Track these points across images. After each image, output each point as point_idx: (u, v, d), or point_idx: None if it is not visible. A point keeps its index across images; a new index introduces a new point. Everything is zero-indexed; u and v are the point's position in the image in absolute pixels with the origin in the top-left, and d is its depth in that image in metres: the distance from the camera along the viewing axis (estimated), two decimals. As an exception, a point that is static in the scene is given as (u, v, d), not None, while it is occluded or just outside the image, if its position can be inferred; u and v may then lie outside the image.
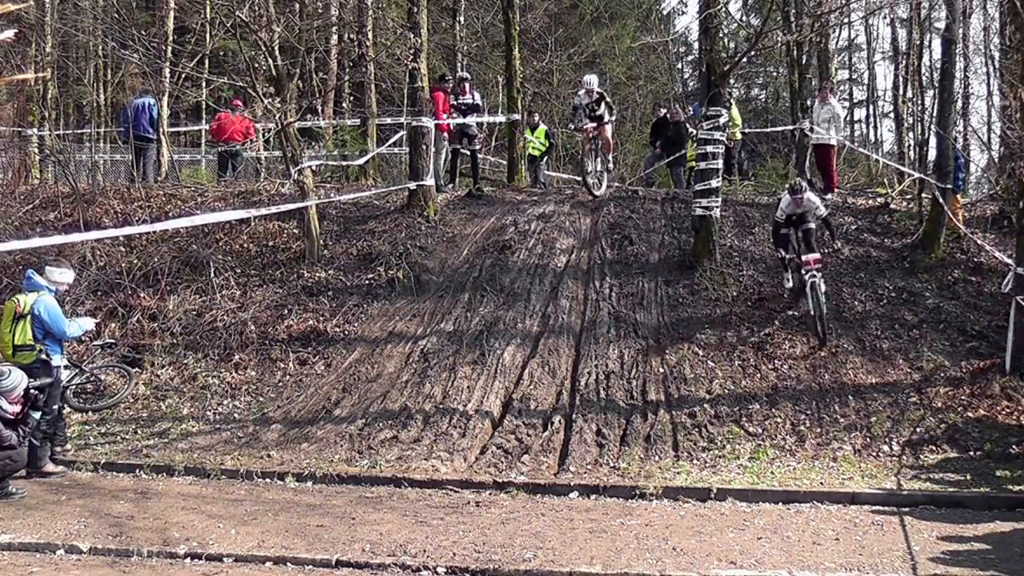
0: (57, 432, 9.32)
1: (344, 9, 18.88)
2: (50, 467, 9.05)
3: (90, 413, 10.59)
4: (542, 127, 18.29)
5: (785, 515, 7.64)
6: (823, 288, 10.73)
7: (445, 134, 15.24)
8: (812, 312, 10.61)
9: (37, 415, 8.28)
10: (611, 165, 14.96)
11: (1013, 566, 6.27)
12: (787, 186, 11.73)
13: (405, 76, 16.07)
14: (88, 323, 9.77)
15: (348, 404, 10.34)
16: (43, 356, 8.97)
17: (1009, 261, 10.51)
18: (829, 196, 14.24)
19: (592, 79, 14.52)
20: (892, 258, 12.16)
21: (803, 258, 10.91)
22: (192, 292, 12.46)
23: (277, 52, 12.85)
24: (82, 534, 7.17)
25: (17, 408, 8.18)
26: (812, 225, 11.19)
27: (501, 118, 17.96)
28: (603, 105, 14.37)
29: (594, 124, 14.18)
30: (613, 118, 15.56)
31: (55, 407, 9.10)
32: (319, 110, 19.54)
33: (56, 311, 9.06)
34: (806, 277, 10.69)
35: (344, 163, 16.58)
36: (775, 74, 31.97)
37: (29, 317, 8.94)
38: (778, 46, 16.44)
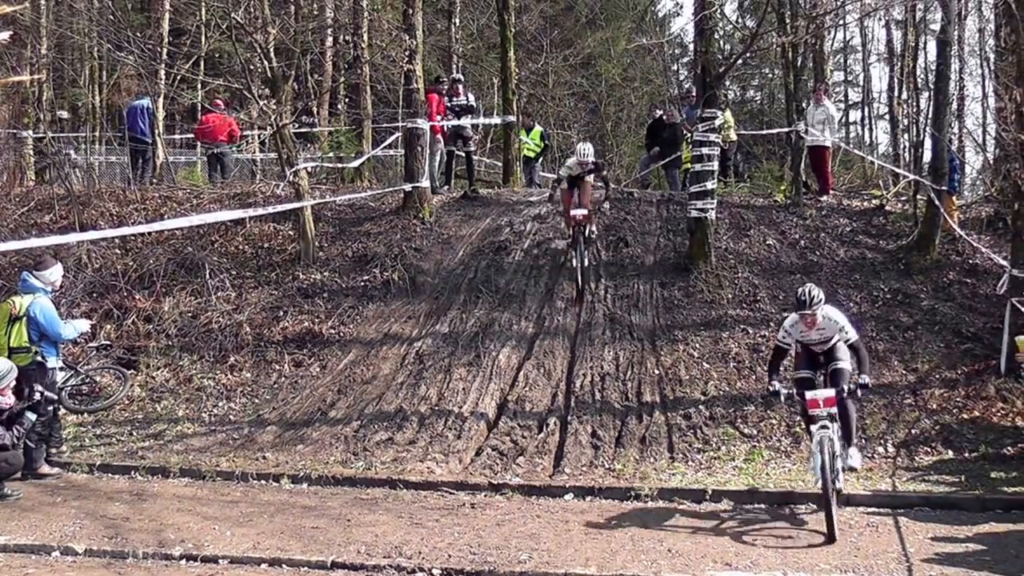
0: (52, 434, 9.32)
1: (340, 11, 18.93)
2: (45, 469, 9.04)
3: (85, 415, 10.58)
4: (537, 128, 18.34)
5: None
6: (837, 449, 7.20)
7: (440, 136, 15.24)
8: (818, 482, 7.20)
9: (33, 417, 8.27)
10: (594, 235, 12.40)
11: (1008, 567, 6.29)
12: (794, 298, 7.80)
13: (400, 78, 16.05)
14: (84, 325, 9.79)
15: (343, 406, 10.34)
16: (39, 358, 8.96)
17: (1004, 263, 10.54)
18: (824, 198, 14.28)
19: (587, 148, 12.30)
20: (887, 260, 12.17)
21: (808, 397, 7.34)
22: (187, 294, 12.45)
23: (272, 54, 12.86)
24: (78, 536, 7.17)
25: (10, 401, 8.16)
26: (844, 364, 7.60)
27: (496, 120, 17.96)
28: (596, 179, 12.45)
29: (583, 212, 11.80)
30: (605, 204, 13.40)
31: (51, 409, 9.08)
32: (314, 112, 19.55)
33: (52, 313, 9.07)
34: (813, 428, 7.33)
35: (339, 165, 16.58)
36: (770, 76, 32.04)
37: (25, 319, 8.95)
38: (773, 48, 16.42)
